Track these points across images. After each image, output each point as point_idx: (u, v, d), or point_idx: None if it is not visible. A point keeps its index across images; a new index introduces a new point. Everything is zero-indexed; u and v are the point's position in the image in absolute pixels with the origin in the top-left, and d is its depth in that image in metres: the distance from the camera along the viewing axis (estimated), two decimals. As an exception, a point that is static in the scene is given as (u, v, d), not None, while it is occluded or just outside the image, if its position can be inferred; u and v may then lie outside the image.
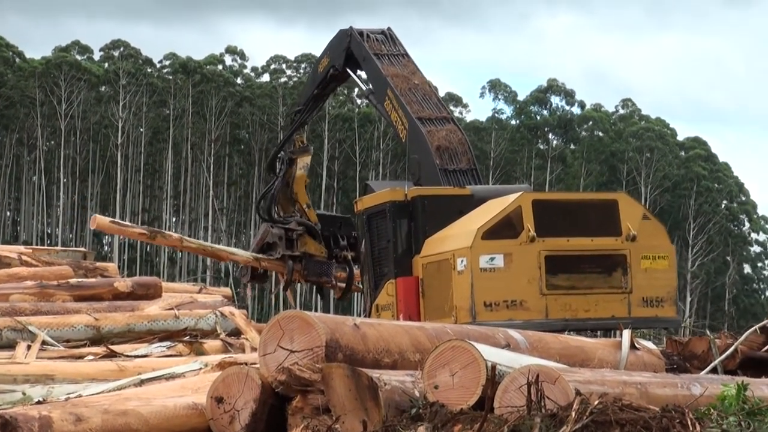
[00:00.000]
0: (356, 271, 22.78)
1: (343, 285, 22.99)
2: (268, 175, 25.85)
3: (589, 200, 19.24)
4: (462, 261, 16.99)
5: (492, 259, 16.91)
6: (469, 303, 16.78)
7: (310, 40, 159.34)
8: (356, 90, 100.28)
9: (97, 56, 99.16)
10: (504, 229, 17.11)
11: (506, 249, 16.97)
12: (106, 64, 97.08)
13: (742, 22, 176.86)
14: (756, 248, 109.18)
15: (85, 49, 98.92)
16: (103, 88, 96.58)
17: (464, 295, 16.89)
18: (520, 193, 17.83)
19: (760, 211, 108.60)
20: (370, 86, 22.61)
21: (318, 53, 24.09)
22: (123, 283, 15.55)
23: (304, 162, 22.75)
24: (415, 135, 20.74)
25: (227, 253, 23.18)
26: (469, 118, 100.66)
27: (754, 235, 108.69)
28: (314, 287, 24.92)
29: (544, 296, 16.99)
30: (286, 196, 22.66)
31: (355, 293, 27.44)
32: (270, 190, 23.02)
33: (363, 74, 22.80)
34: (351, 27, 22.61)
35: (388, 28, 22.85)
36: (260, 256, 22.51)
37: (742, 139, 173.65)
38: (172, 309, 14.41)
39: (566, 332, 16.58)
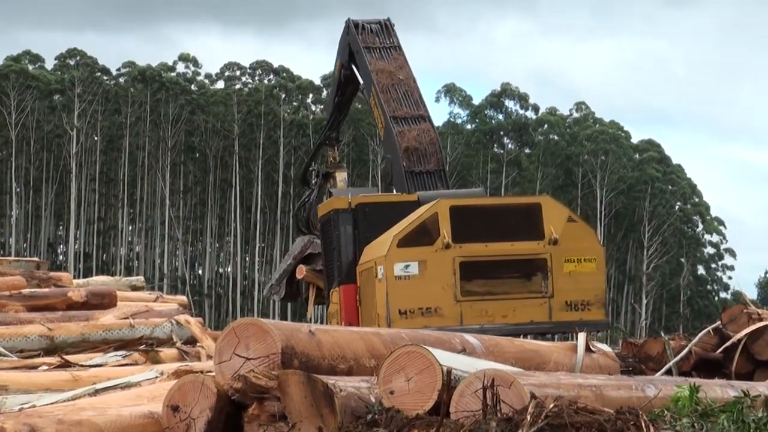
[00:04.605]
0: None
1: None
2: (301, 188, 25.66)
3: (511, 205, 18.85)
4: (381, 269, 16.94)
5: (407, 266, 16.79)
6: (386, 311, 16.72)
7: (260, 45, 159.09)
8: (311, 96, 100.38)
9: (51, 65, 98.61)
10: (420, 236, 16.98)
11: (421, 256, 16.85)
12: (59, 73, 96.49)
13: (683, 23, 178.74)
14: (709, 249, 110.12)
15: (36, 58, 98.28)
16: (56, 98, 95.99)
17: (382, 302, 16.85)
18: (437, 199, 17.66)
19: (713, 213, 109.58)
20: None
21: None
22: (77, 293, 15.43)
23: (342, 176, 22.61)
24: (388, 135, 20.62)
25: None
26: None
27: (707, 237, 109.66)
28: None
29: (459, 303, 16.82)
30: None
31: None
32: (306, 202, 22.78)
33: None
34: (348, 18, 22.22)
35: (388, 19, 22.39)
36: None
37: (687, 141, 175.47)
38: (127, 318, 14.32)
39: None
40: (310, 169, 23.68)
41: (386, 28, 22.09)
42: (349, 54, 22.18)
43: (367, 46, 21.65)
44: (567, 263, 17.28)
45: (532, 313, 17.11)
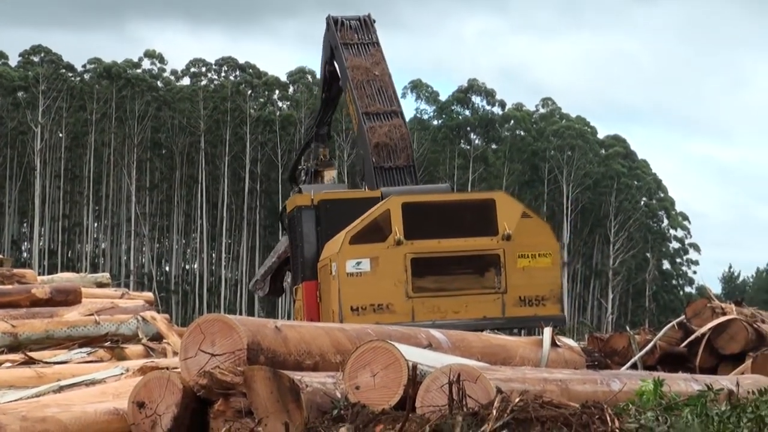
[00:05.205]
0: None
1: None
2: (290, 186, 25.64)
3: (465, 201, 18.90)
4: (334, 266, 16.95)
5: (358, 263, 16.78)
6: (338, 307, 16.71)
7: (227, 42, 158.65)
8: (277, 92, 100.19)
9: (14, 62, 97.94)
10: (372, 233, 16.97)
11: (373, 253, 16.85)
12: (23, 69, 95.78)
13: (650, 19, 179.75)
14: (674, 244, 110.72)
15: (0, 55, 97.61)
16: (20, 94, 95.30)
17: (335, 299, 16.84)
18: (390, 196, 17.66)
19: (678, 208, 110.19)
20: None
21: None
22: (41, 290, 15.30)
23: (330, 175, 22.60)
24: (360, 131, 20.70)
25: None
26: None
27: (672, 231, 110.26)
28: None
29: (411, 299, 16.82)
30: None
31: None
32: None
33: None
34: (329, 15, 22.29)
35: (368, 15, 22.48)
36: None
37: (653, 136, 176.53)
38: (92, 315, 14.24)
39: None
40: (299, 167, 23.63)
41: (365, 24, 22.19)
42: (330, 51, 22.24)
43: (345, 42, 21.75)
44: (521, 259, 17.22)
45: (485, 309, 17.07)
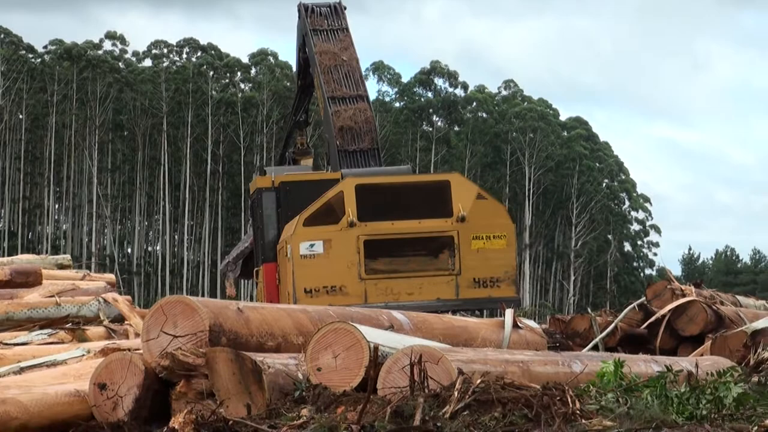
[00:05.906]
0: None
1: None
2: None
3: (419, 182, 18.84)
4: (289, 248, 16.95)
5: (312, 245, 16.78)
6: (292, 289, 16.72)
7: (188, 23, 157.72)
8: (239, 74, 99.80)
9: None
10: (325, 215, 16.97)
11: (326, 235, 16.86)
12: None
13: (611, 3, 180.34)
14: (635, 226, 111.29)
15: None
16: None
17: (290, 281, 16.83)
18: (346, 178, 17.61)
19: (639, 190, 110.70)
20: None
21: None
22: (1, 271, 15.22)
23: (307, 162, 22.79)
24: (326, 116, 20.84)
25: None
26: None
27: (633, 213, 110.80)
28: None
29: (363, 281, 16.83)
30: None
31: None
32: None
33: None
34: (300, 3, 22.44)
35: (339, 2, 22.67)
36: None
37: (614, 118, 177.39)
38: (53, 296, 14.16)
39: None
40: (285, 155, 23.91)
41: (335, 10, 22.43)
42: (302, 38, 22.41)
43: (315, 28, 21.91)
44: (475, 240, 17.20)
45: (439, 291, 17.05)
